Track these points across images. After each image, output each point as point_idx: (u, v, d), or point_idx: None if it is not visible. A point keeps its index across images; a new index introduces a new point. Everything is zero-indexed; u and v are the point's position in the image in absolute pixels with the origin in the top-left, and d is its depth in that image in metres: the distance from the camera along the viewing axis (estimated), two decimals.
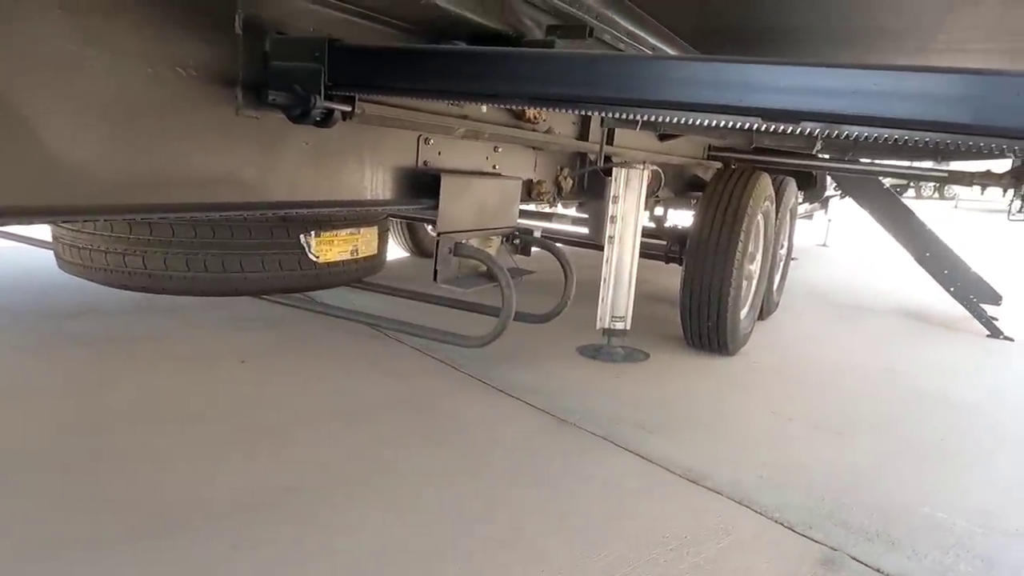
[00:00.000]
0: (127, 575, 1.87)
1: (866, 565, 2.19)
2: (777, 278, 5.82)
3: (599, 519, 2.35)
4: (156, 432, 2.72)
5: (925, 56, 2.51)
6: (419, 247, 7.05)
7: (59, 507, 2.16)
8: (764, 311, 5.46)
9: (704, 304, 4.18)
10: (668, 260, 4.82)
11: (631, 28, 2.13)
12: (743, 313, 4.57)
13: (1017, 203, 23.60)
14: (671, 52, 2.55)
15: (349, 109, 1.60)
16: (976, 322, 5.96)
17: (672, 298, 4.56)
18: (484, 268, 2.23)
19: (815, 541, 2.31)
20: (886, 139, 1.01)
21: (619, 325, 3.58)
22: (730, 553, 2.22)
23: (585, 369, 3.72)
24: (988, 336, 5.88)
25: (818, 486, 2.70)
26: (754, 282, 4.78)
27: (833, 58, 2.85)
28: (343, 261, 2.67)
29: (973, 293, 6.07)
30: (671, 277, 4.74)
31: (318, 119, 1.57)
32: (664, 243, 4.75)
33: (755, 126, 1.10)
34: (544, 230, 4.95)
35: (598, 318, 3.57)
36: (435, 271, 2.13)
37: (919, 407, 3.80)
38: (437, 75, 1.39)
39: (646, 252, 4.73)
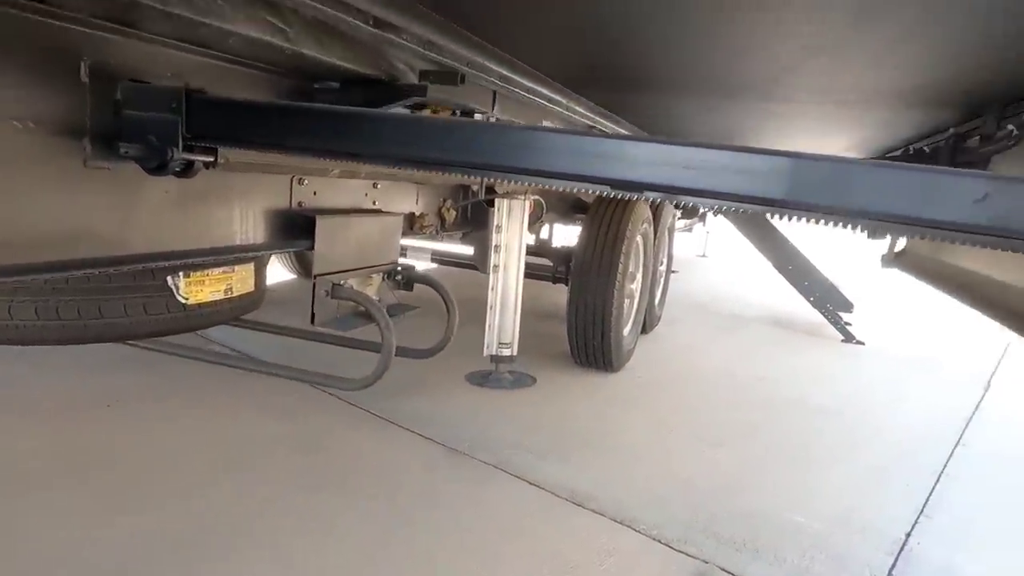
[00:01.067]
0: None
1: (733, 575, 2.35)
2: (659, 293, 6.12)
3: (491, 549, 2.38)
4: (3, 495, 2.48)
5: (766, 105, 2.75)
6: (306, 269, 6.85)
7: None
8: (647, 325, 5.72)
9: (589, 324, 4.34)
10: (555, 280, 4.97)
11: (504, 72, 2.20)
12: (626, 330, 4.77)
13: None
14: (548, 93, 2.64)
15: (211, 159, 1.55)
16: (833, 328, 6.53)
17: (561, 314, 4.68)
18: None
19: (689, 556, 2.45)
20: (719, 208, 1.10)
21: (506, 351, 3.64)
22: (611, 574, 2.32)
23: (474, 397, 3.75)
24: (843, 341, 6.46)
25: (695, 499, 2.86)
26: (636, 300, 5.00)
27: (693, 103, 3.06)
28: (216, 301, 2.56)
29: (829, 302, 6.66)
30: (561, 293, 4.87)
31: (177, 170, 1.51)
32: (551, 264, 4.89)
33: (605, 192, 1.17)
34: (438, 252, 4.96)
35: (485, 345, 3.62)
36: (312, 314, 2.09)
37: (785, 413, 4.11)
38: (300, 133, 1.38)
39: (533, 273, 4.84)
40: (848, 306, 6.70)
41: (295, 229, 2.10)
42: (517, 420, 3.53)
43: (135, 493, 2.53)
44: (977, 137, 2.32)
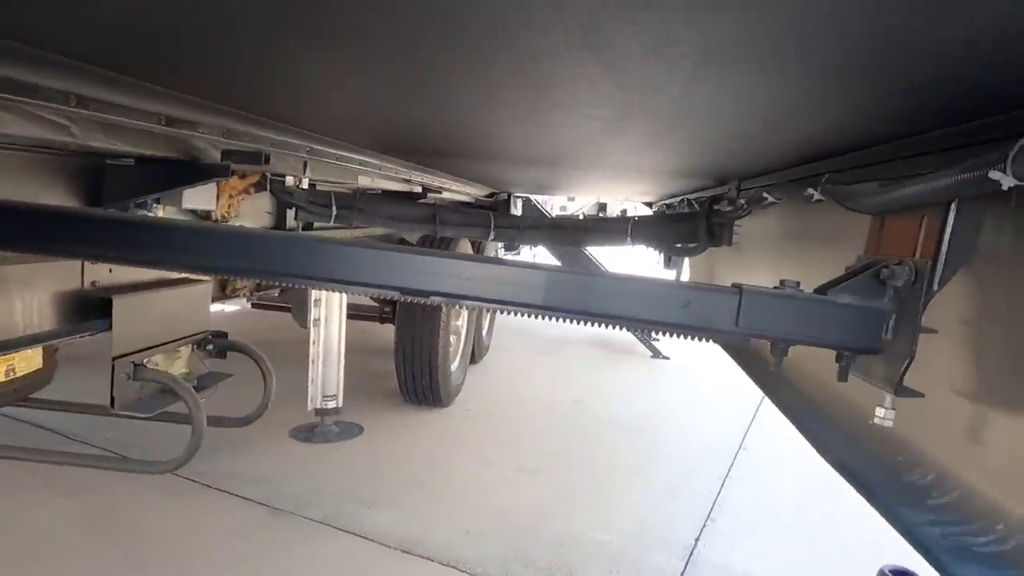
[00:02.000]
0: None
1: None
2: (486, 323, 6.39)
3: None
4: None
5: (567, 170, 3.09)
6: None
7: None
8: (476, 355, 5.95)
9: (417, 363, 4.45)
10: (382, 321, 5.02)
11: (312, 146, 2.27)
12: (454, 366, 4.95)
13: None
14: (360, 157, 2.74)
15: None
16: (643, 345, 7.21)
17: (390, 349, 4.74)
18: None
19: None
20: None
21: (331, 404, 3.65)
22: None
23: (300, 452, 3.71)
24: (652, 357, 7.15)
25: (513, 531, 3.07)
26: (462, 335, 5.20)
27: (503, 165, 3.32)
28: None
29: None
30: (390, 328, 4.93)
31: None
32: (377, 305, 4.94)
33: (395, 297, 1.31)
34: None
35: (309, 399, 3.60)
36: (112, 398, 2.00)
37: (595, 435, 4.49)
38: (86, 241, 1.37)
39: (358, 314, 4.87)
40: None
41: (90, 310, 2.00)
42: (345, 471, 3.54)
43: None
44: (725, 201, 2.78)
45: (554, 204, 11.89)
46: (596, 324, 1.27)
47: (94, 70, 1.28)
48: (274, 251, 1.30)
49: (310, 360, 3.53)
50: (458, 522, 3.11)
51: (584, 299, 1.25)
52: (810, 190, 1.67)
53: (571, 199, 11.83)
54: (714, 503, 3.57)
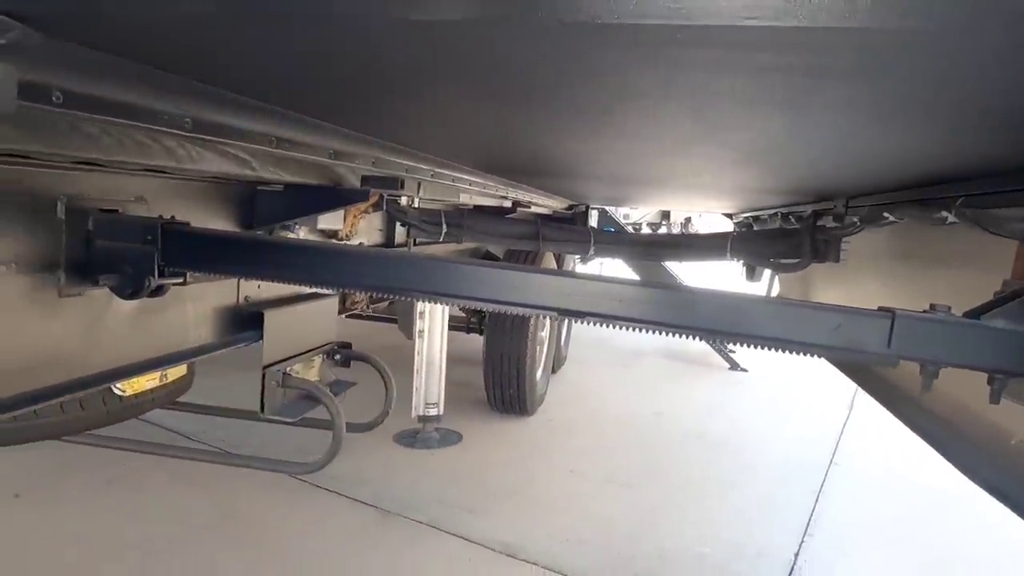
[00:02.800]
0: None
1: None
2: (564, 332, 6.48)
3: None
4: None
5: (662, 189, 3.16)
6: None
7: None
8: (556, 365, 6.05)
9: (505, 374, 4.58)
10: (469, 331, 5.18)
11: (434, 169, 2.42)
12: (539, 374, 5.05)
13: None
14: (467, 177, 2.89)
15: (181, 281, 1.66)
16: (720, 357, 7.14)
17: (475, 358, 4.86)
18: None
19: None
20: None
21: (432, 411, 3.80)
22: None
23: (404, 456, 3.88)
24: (729, 369, 7.08)
25: (612, 541, 3.14)
26: (546, 346, 5.31)
27: (603, 184, 3.43)
28: (151, 389, 2.60)
29: None
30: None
31: (150, 294, 1.61)
32: (465, 315, 5.11)
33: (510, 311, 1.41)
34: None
35: (413, 407, 3.76)
36: (262, 404, 2.18)
37: (683, 448, 4.51)
38: (266, 264, 1.55)
39: (450, 325, 5.04)
40: None
41: (243, 323, 2.20)
42: (446, 477, 3.69)
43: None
44: (831, 216, 2.79)
45: (618, 212, 11.91)
46: (744, 345, 1.34)
47: (288, 113, 1.45)
48: (408, 270, 1.44)
49: (415, 369, 3.69)
50: (557, 531, 3.20)
51: (731, 320, 1.32)
52: (944, 212, 1.69)
53: (634, 208, 11.83)
54: (810, 518, 3.54)
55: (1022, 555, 3.09)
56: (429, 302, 1.52)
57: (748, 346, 1.36)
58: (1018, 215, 1.37)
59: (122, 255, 1.57)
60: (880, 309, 1.28)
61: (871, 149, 1.60)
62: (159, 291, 1.65)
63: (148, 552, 2.76)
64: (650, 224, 16.52)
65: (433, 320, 3.56)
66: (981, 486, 1.43)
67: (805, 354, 1.33)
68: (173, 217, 1.63)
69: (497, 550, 2.99)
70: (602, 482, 3.83)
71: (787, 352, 1.33)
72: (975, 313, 1.25)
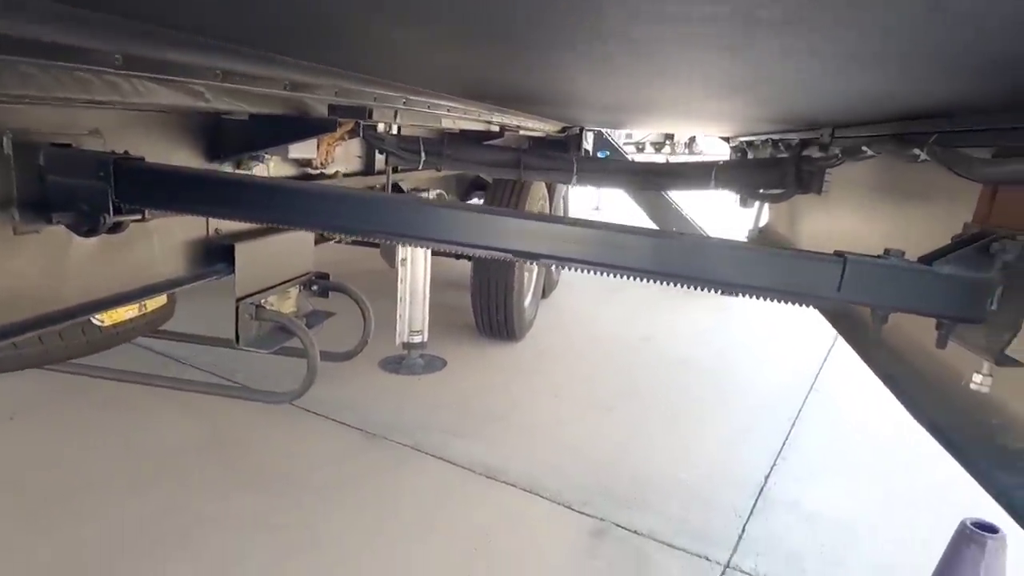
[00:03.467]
0: None
1: (626, 529, 2.75)
2: None
3: (415, 526, 2.65)
4: None
5: (655, 113, 3.08)
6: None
7: None
8: (546, 290, 6.09)
9: (493, 300, 4.61)
10: (458, 257, 5.17)
11: (407, 96, 2.35)
12: (527, 301, 5.09)
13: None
14: (446, 103, 2.81)
15: (140, 218, 1.64)
16: None
17: (464, 281, 4.88)
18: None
19: (588, 515, 2.83)
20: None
21: (417, 338, 3.85)
22: (523, 535, 2.66)
23: (389, 382, 3.97)
24: (721, 292, 7.11)
25: (592, 464, 3.25)
26: (535, 272, 5.32)
27: (594, 111, 3.32)
28: (131, 319, 2.62)
29: None
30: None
31: (108, 230, 1.60)
32: None
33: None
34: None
35: (397, 334, 3.81)
36: (236, 335, 2.21)
37: (667, 374, 4.59)
38: (225, 202, 1.52)
39: (435, 251, 5.03)
40: None
41: (214, 256, 2.19)
42: (430, 401, 3.78)
43: (62, 508, 2.60)
44: (816, 147, 2.73)
45: (617, 134, 11.67)
46: (702, 288, 1.34)
47: (237, 48, 1.39)
48: (378, 211, 1.41)
49: (398, 297, 3.72)
50: (536, 455, 3.30)
51: (687, 263, 1.32)
52: (916, 149, 1.65)
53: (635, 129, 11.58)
54: (785, 442, 3.65)
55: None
56: (391, 242, 1.50)
57: (704, 289, 1.36)
58: (985, 158, 1.34)
59: (76, 192, 1.54)
60: (834, 253, 1.27)
61: (852, 84, 1.55)
62: (117, 228, 1.64)
63: (152, 470, 2.86)
64: (653, 144, 16.20)
65: (416, 249, 3.56)
66: (924, 425, 1.46)
67: (759, 297, 1.33)
68: (127, 152, 1.60)
69: (478, 472, 3.10)
70: (585, 407, 3.92)
71: (742, 295, 1.33)
72: (928, 259, 1.24)
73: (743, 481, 3.20)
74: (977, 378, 1.23)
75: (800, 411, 4.09)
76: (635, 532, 2.74)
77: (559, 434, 3.55)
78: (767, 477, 3.26)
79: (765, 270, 1.30)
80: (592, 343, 5.13)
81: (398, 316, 3.76)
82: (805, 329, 5.93)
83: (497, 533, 2.67)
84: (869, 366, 1.99)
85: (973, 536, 1.66)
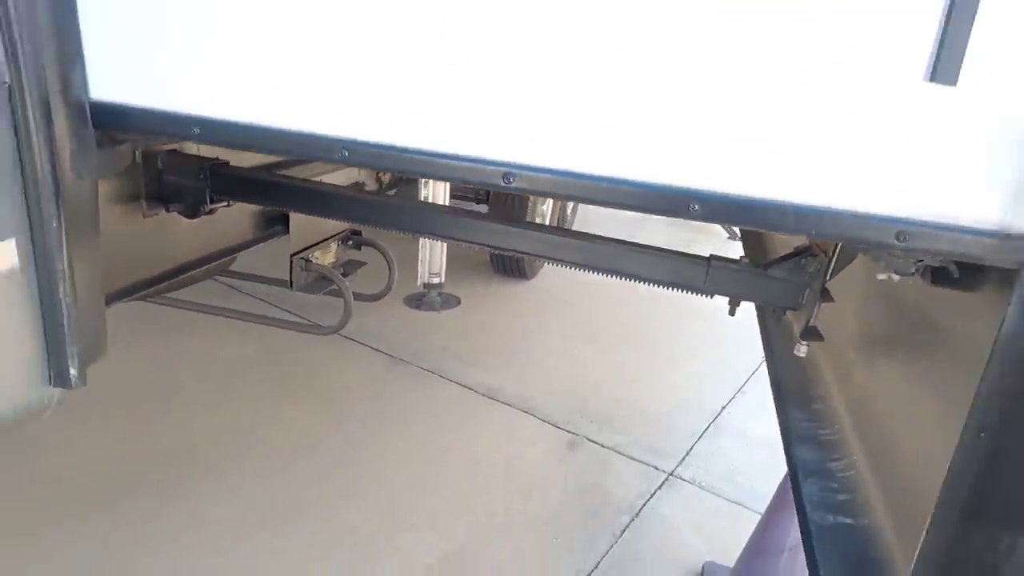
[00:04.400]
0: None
1: (596, 443, 3.44)
2: (571, 205, 6.98)
3: (431, 435, 3.37)
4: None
5: None
6: None
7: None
8: (560, 225, 6.64)
9: None
10: (477, 201, 5.75)
11: None
12: None
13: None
14: None
15: (227, 204, 2.27)
16: (720, 225, 7.60)
17: None
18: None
19: (568, 431, 3.52)
20: None
21: (435, 280, 4.48)
22: (515, 445, 3.37)
23: (412, 316, 4.64)
24: (728, 238, 7.57)
25: (579, 392, 3.91)
26: (547, 217, 5.86)
27: None
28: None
29: None
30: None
31: (205, 214, 2.24)
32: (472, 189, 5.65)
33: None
34: None
35: (419, 276, 4.45)
36: (290, 282, 2.87)
37: (664, 314, 5.17)
38: (284, 199, 2.15)
39: (457, 195, 5.60)
40: None
41: (274, 221, 2.83)
42: (446, 334, 4.46)
43: (149, 412, 3.38)
44: None
45: None
46: (620, 278, 1.92)
47: None
48: (406, 214, 2.01)
49: (420, 244, 4.34)
50: (534, 381, 3.97)
51: (609, 260, 1.90)
52: None
53: None
54: (748, 378, 4.25)
55: None
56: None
57: (619, 278, 1.94)
58: None
59: (183, 188, 2.17)
60: (706, 257, 1.83)
61: None
62: (211, 212, 2.28)
63: (222, 381, 3.63)
64: None
65: (436, 197, 4.12)
66: (770, 376, 2.05)
67: (656, 285, 1.91)
68: (217, 158, 2.21)
69: (481, 393, 3.80)
70: (583, 343, 4.56)
71: (645, 283, 1.91)
72: (766, 265, 1.79)
73: (702, 411, 3.84)
74: (799, 347, 1.79)
75: None
76: (602, 446, 3.43)
77: (556, 365, 4.21)
78: (724, 407, 3.90)
79: (660, 266, 1.87)
80: (602, 286, 5.70)
81: (419, 261, 4.39)
82: None
83: (492, 441, 3.38)
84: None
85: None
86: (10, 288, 1.20)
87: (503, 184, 1.11)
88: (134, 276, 2.20)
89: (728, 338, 4.89)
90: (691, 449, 3.46)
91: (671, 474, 3.24)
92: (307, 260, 2.91)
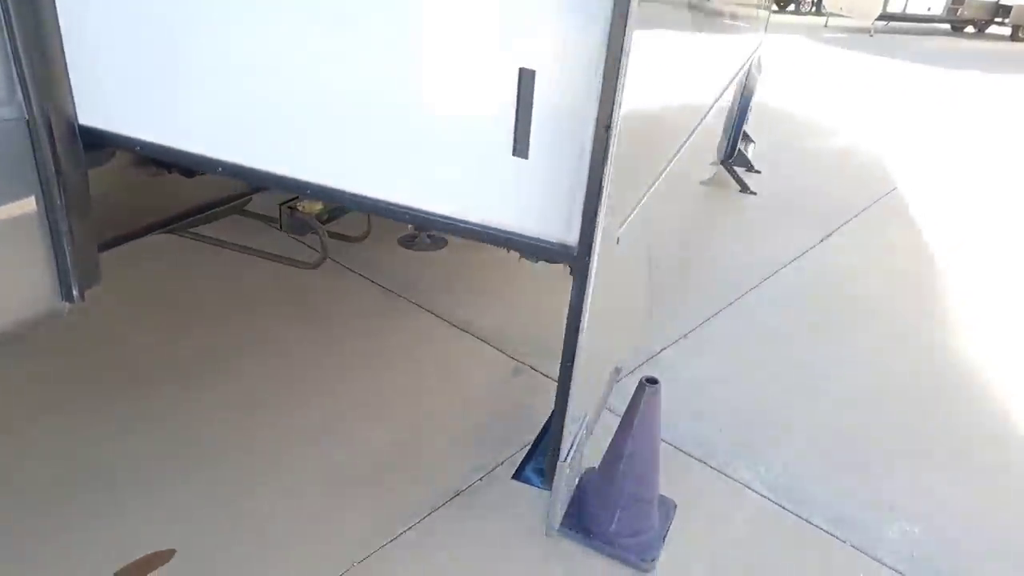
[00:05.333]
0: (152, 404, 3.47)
1: (536, 370, 4.08)
2: None
3: (409, 357, 4.11)
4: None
5: None
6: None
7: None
8: None
9: None
10: None
11: None
12: None
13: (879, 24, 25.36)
14: None
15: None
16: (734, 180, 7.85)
17: None
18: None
19: (516, 359, 4.17)
20: None
21: None
22: (467, 367, 4.06)
23: (405, 254, 5.34)
24: (740, 191, 7.82)
25: (533, 325, 4.53)
26: None
27: None
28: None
29: (730, 157, 7.90)
30: None
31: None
32: None
33: None
34: None
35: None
36: (280, 225, 3.60)
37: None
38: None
39: None
40: (748, 163, 7.99)
41: None
42: (434, 271, 5.14)
43: (186, 318, 4.23)
44: None
45: None
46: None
47: None
48: None
49: None
50: (496, 316, 4.60)
51: None
52: None
53: None
54: (700, 325, 4.74)
55: None
56: None
57: None
58: None
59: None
60: None
61: None
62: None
63: (241, 301, 4.46)
64: None
65: None
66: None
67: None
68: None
69: (455, 324, 4.48)
70: (554, 283, 5.13)
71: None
72: None
73: (644, 354, 4.39)
74: None
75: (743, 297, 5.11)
76: (543, 374, 4.07)
77: (515, 303, 4.83)
78: (662, 349, 4.44)
79: None
80: None
81: None
82: (802, 229, 6.64)
83: (447, 361, 4.09)
84: None
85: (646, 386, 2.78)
86: (33, 231, 1.92)
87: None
88: (149, 218, 2.96)
89: (711, 281, 5.36)
90: (619, 383, 4.05)
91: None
92: (292, 208, 3.61)
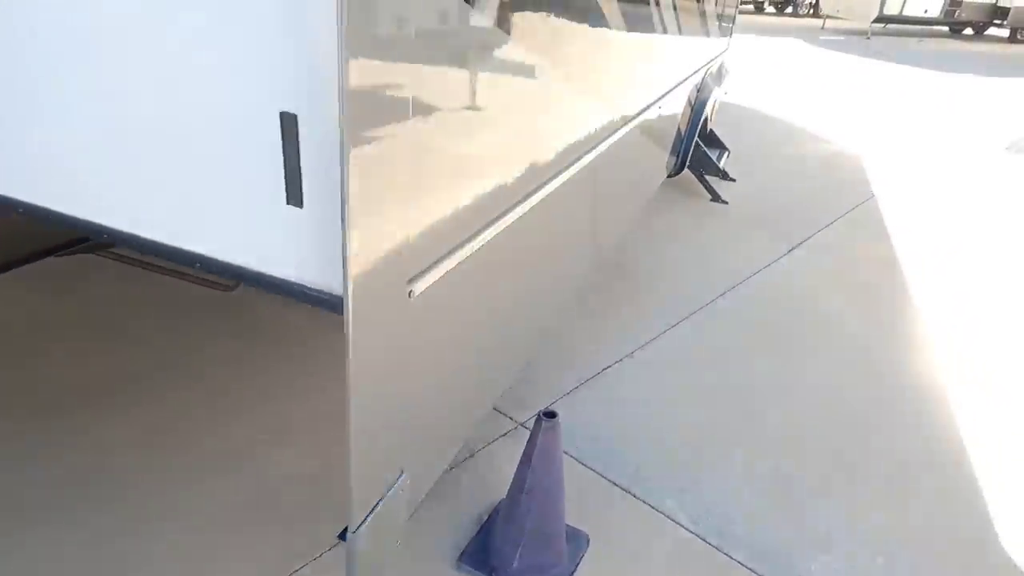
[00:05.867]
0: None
1: None
2: None
3: (337, 376, 3.98)
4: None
5: None
6: None
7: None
8: None
9: None
10: None
11: None
12: None
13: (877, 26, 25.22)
14: None
15: None
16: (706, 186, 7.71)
17: None
18: None
19: None
20: None
21: None
22: None
23: None
24: (711, 200, 7.68)
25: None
26: None
27: None
28: None
29: (702, 166, 7.76)
30: None
31: None
32: None
33: None
34: None
35: None
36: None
37: (605, 278, 5.53)
38: None
39: None
40: (719, 171, 7.84)
41: None
42: None
43: (111, 335, 4.13)
44: None
45: None
46: None
47: None
48: None
49: None
50: None
51: None
52: None
53: None
54: (650, 340, 4.62)
55: None
56: None
57: None
58: None
59: None
60: None
61: None
62: None
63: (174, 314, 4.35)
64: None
65: None
66: None
67: None
68: None
69: None
70: None
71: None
72: None
73: (585, 368, 4.27)
74: None
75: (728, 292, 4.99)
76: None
77: None
78: (606, 368, 4.31)
79: None
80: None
81: None
82: (763, 243, 6.50)
83: None
84: None
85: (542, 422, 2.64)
86: None
87: None
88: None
89: (667, 291, 5.22)
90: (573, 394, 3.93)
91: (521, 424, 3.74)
92: None
